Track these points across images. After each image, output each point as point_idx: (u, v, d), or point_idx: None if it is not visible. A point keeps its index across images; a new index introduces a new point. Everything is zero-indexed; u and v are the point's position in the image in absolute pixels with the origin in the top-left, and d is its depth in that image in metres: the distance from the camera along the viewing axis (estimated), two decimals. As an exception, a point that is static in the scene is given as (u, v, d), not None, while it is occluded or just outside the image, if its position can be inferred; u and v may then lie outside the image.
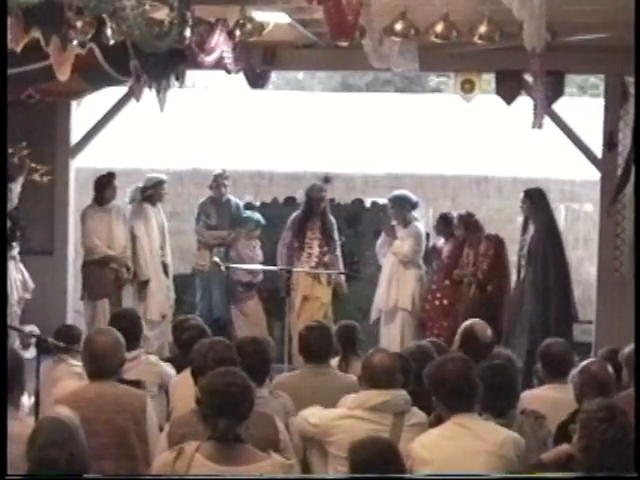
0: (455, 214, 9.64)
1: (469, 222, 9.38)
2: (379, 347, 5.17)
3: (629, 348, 5.62)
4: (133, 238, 9.73)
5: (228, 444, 3.90)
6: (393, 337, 9.37)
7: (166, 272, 9.99)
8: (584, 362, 5.33)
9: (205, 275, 10.02)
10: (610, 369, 5.26)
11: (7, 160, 8.54)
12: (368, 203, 11.02)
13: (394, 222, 9.61)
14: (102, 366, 4.78)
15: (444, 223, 9.61)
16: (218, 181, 10.08)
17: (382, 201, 11.00)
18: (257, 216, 10.21)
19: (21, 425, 4.36)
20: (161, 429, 4.99)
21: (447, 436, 4.41)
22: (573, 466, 4.08)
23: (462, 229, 9.38)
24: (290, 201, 11.03)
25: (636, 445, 3.24)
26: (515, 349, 6.70)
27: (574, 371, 5.31)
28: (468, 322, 6.65)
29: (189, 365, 5.91)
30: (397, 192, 9.87)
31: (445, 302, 9.31)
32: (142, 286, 9.75)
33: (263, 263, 10.05)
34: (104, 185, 9.66)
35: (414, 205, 9.69)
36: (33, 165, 9.37)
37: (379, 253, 9.88)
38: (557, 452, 4.47)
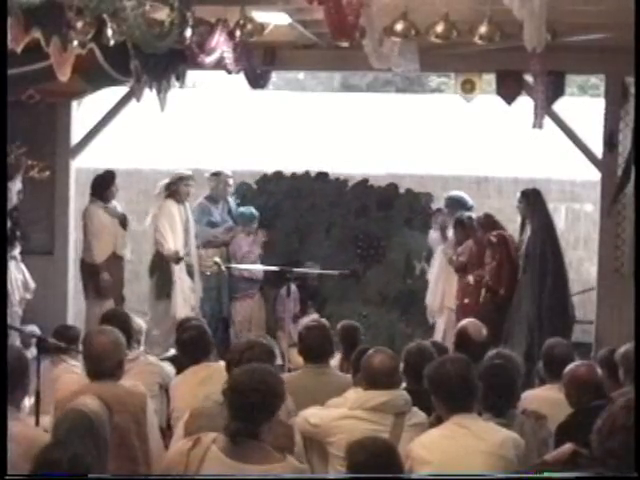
0: (466, 216, 9.58)
1: (485, 224, 9.35)
2: (378, 347, 5.15)
3: (625, 347, 5.63)
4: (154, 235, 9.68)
5: (243, 441, 3.87)
6: (438, 333, 9.42)
7: (191, 274, 9.88)
8: (570, 366, 5.33)
9: (211, 275, 9.99)
10: (597, 368, 5.29)
11: (7, 160, 8.56)
12: (402, 189, 10.93)
13: (448, 221, 9.67)
14: (101, 366, 4.76)
15: (460, 227, 9.57)
16: (225, 181, 10.09)
17: (417, 189, 10.93)
18: (251, 210, 10.21)
19: (21, 425, 4.36)
20: (161, 429, 4.99)
21: (447, 436, 4.41)
22: (577, 465, 4.07)
23: (481, 231, 9.35)
24: (322, 176, 10.93)
25: (636, 445, 3.24)
26: (514, 349, 6.69)
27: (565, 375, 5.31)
28: (463, 322, 6.68)
29: (192, 363, 5.96)
30: (454, 192, 9.96)
31: (466, 301, 9.28)
32: (167, 284, 9.65)
33: (287, 234, 9.96)
34: (108, 183, 9.64)
35: (469, 208, 9.74)
36: (30, 162, 9.36)
37: (432, 244, 9.90)
38: (561, 452, 4.46)
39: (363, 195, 10.84)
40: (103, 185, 9.65)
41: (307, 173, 10.90)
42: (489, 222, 9.37)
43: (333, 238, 10.69)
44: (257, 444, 3.90)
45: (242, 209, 10.26)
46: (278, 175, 10.75)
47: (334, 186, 10.94)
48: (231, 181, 10.18)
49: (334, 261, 10.45)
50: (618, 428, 3.25)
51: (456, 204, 9.74)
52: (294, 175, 10.83)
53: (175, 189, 9.75)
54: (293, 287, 9.87)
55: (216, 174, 10.16)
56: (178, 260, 9.60)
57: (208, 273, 9.98)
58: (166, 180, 9.87)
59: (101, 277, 9.53)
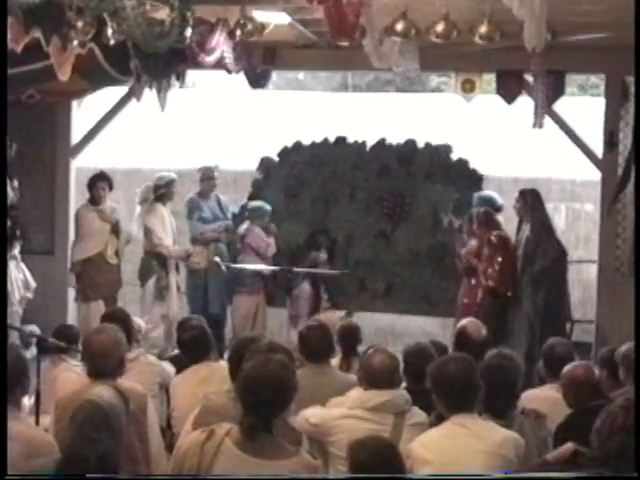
0: (477, 211, 9.57)
1: (484, 220, 9.30)
2: (378, 347, 5.15)
3: (625, 347, 5.63)
4: (148, 238, 9.73)
5: (257, 435, 3.85)
6: None
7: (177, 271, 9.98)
8: (567, 367, 5.33)
9: (200, 272, 9.97)
10: (594, 368, 5.30)
11: (7, 160, 8.56)
12: (421, 143, 10.90)
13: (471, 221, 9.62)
14: (101, 365, 4.76)
15: (469, 222, 9.55)
16: (208, 175, 10.09)
17: (435, 142, 10.84)
18: (262, 204, 10.17)
19: (21, 425, 4.36)
20: (161, 429, 4.98)
21: (447, 436, 4.41)
22: (578, 465, 4.06)
23: (477, 227, 9.31)
24: (341, 140, 10.95)
25: (636, 445, 3.23)
26: (514, 349, 6.68)
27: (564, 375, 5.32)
28: (463, 322, 6.66)
29: (192, 363, 5.95)
30: (484, 192, 9.98)
31: (465, 301, 9.27)
32: (164, 287, 9.74)
33: (312, 202, 10.10)
34: (93, 183, 9.71)
35: (498, 209, 9.70)
36: None
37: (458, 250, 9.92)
38: (562, 451, 4.46)
39: (383, 154, 10.79)
40: (90, 185, 9.70)
41: (326, 140, 10.93)
42: (487, 219, 9.35)
43: (358, 201, 10.69)
44: (270, 438, 3.88)
45: (253, 204, 10.22)
46: (298, 145, 10.80)
47: (354, 149, 10.91)
48: (216, 175, 10.17)
49: (362, 224, 10.51)
50: (618, 428, 3.24)
51: (485, 203, 9.70)
52: (314, 143, 10.88)
53: (165, 192, 9.79)
54: (306, 286, 9.88)
55: (200, 170, 10.20)
56: (189, 257, 9.71)
57: (199, 270, 9.95)
58: (148, 184, 9.88)
59: (75, 274, 9.63)
